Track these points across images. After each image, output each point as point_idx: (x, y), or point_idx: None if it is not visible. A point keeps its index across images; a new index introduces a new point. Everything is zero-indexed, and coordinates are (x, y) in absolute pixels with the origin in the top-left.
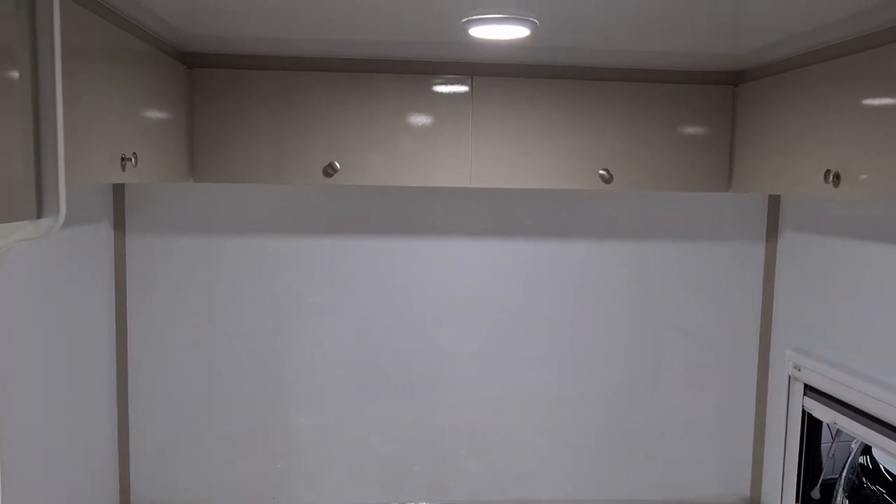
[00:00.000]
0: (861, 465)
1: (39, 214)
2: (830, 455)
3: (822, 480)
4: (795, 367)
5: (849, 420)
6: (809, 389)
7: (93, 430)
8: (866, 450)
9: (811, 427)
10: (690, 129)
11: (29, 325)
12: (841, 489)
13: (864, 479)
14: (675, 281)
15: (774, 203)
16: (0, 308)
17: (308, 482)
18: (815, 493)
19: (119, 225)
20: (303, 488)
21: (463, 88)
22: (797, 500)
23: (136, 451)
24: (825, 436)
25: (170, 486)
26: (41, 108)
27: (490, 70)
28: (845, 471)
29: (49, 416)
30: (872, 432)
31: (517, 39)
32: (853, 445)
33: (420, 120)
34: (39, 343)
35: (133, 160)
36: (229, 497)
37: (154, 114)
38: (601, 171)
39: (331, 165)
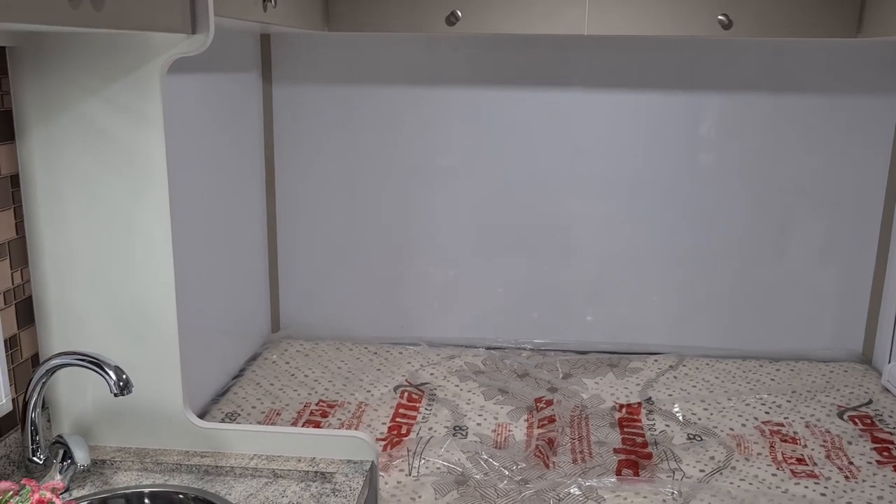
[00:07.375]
0: None
1: (193, 31)
2: None
3: None
4: None
5: None
6: None
7: (248, 267)
8: None
9: None
10: None
11: (195, 154)
12: None
13: None
14: (803, 136)
15: None
16: (173, 126)
17: (433, 320)
18: None
19: (266, 76)
20: (428, 324)
21: None
22: None
23: (285, 287)
24: None
25: (312, 316)
26: None
27: None
28: None
29: (213, 249)
30: None
31: None
32: None
33: None
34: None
35: (273, 2)
36: (363, 326)
37: None
38: (720, 17)
39: (453, 14)
